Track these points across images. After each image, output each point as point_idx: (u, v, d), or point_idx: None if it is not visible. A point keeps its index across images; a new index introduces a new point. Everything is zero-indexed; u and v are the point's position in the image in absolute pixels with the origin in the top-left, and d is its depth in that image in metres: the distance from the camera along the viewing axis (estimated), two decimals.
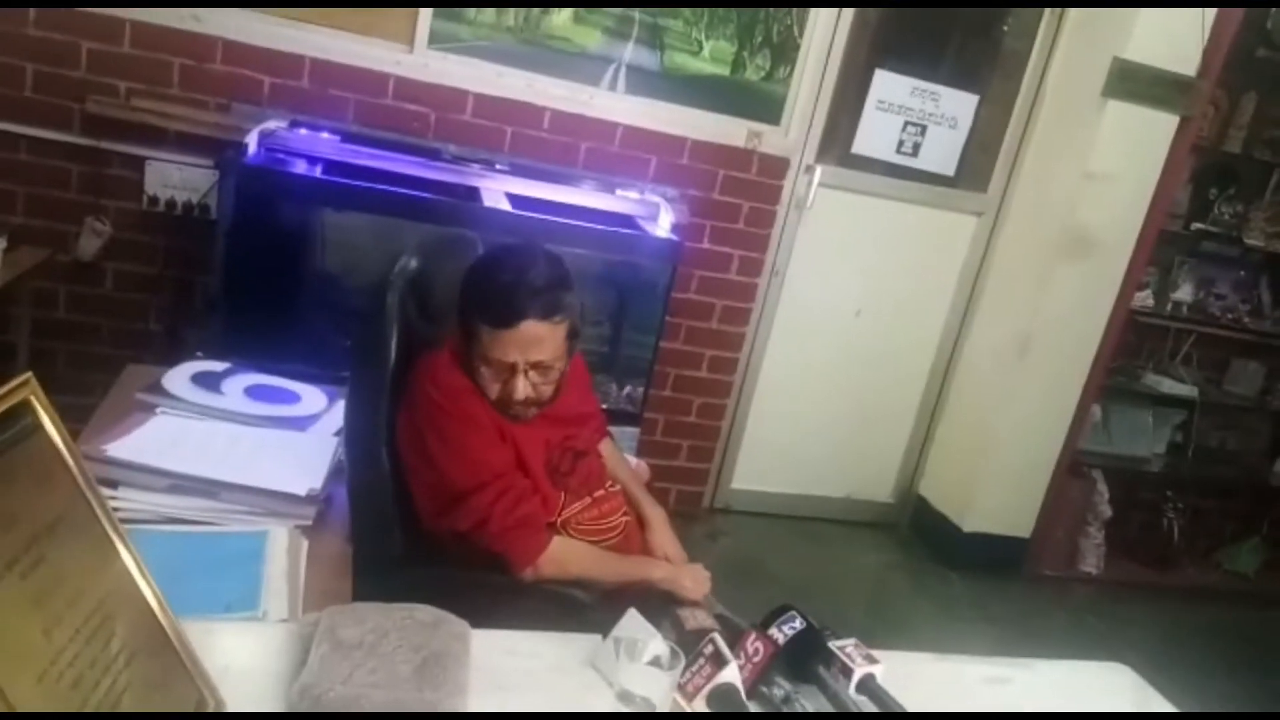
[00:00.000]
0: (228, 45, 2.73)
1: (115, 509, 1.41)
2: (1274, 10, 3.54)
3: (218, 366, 2.00)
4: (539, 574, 1.54)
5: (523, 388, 1.57)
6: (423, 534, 1.58)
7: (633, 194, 3.07)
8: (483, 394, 1.58)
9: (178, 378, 1.90)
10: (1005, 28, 3.51)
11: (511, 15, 2.93)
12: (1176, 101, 3.20)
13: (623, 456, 1.97)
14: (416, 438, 1.58)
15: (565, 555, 1.57)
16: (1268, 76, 3.58)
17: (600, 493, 1.72)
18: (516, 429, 1.61)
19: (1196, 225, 3.63)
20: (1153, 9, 3.09)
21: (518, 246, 1.64)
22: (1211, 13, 3.11)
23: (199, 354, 2.14)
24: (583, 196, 2.98)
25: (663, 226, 2.96)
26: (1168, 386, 3.77)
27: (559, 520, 1.64)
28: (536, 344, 1.55)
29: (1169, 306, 3.71)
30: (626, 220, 2.98)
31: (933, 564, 3.61)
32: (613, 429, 1.99)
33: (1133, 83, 3.14)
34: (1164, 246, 3.55)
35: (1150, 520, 4.00)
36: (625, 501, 1.78)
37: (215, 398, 1.86)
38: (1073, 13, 3.35)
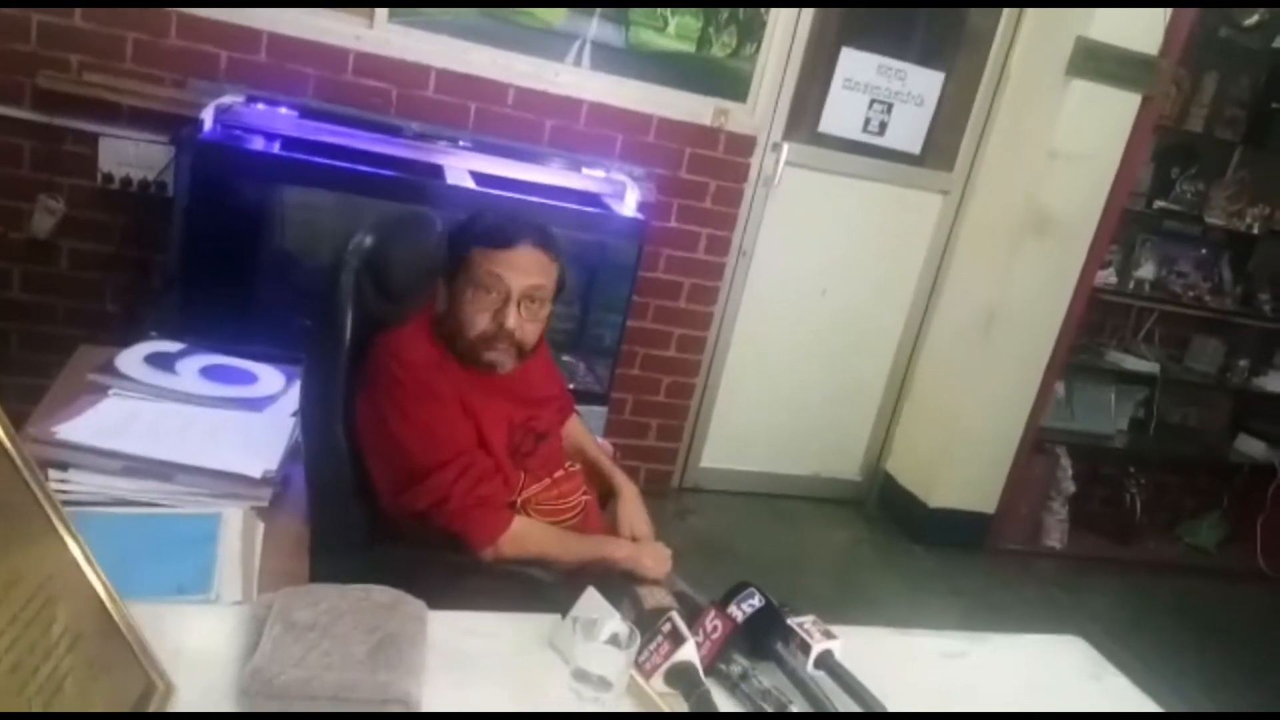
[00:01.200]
0: (182, 19, 2.66)
1: (66, 492, 1.42)
2: None
3: (172, 347, 1.97)
4: (499, 554, 1.53)
5: (514, 318, 1.56)
6: (381, 514, 1.57)
7: (599, 172, 3.05)
8: (464, 334, 1.57)
9: (131, 358, 1.86)
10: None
11: None
12: (1139, 80, 3.22)
13: (590, 432, 1.97)
14: (377, 415, 1.56)
15: (526, 535, 1.56)
16: (1229, 56, 3.61)
17: (560, 473, 1.72)
18: (480, 407, 1.59)
19: (1159, 204, 3.66)
20: None
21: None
22: None
23: (153, 334, 2.10)
24: (548, 175, 2.95)
25: (629, 205, 2.94)
26: (1130, 364, 3.82)
27: (518, 501, 1.63)
28: (534, 268, 1.57)
29: (1131, 284, 3.75)
30: (593, 199, 2.95)
31: (899, 539, 3.65)
32: (580, 408, 1.98)
33: (1096, 61, 3.15)
34: (1127, 225, 3.59)
35: (1112, 495, 4.07)
36: (584, 481, 1.77)
37: (169, 378, 1.83)
38: None
